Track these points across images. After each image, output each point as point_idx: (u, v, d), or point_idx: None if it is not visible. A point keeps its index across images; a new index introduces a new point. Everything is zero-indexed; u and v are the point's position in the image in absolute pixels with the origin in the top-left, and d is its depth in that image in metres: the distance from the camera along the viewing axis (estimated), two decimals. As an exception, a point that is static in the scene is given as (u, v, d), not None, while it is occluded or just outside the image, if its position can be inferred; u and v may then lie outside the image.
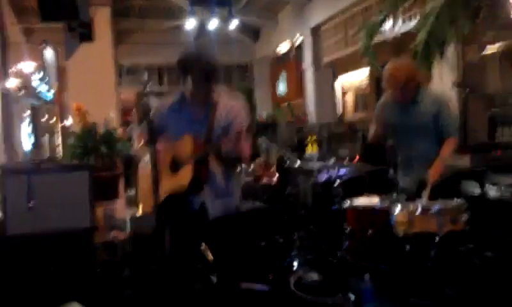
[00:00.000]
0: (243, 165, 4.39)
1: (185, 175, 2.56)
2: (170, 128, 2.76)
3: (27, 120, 14.48)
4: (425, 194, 3.04)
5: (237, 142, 2.58)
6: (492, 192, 3.56)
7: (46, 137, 15.37)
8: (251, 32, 15.10)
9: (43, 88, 13.61)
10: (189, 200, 2.67)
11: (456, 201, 2.92)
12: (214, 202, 2.68)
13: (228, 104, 2.79)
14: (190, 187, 2.56)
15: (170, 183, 2.60)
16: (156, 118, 2.76)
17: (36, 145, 14.20)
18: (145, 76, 2.55)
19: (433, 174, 3.14)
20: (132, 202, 5.17)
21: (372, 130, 3.56)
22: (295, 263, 3.74)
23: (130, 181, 6.22)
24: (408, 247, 2.95)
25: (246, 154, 2.72)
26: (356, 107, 13.82)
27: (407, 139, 3.38)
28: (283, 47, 14.18)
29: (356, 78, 13.70)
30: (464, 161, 2.89)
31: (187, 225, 2.71)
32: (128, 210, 5.24)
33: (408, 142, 3.38)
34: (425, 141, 3.33)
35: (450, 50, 5.56)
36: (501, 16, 5.44)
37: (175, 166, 2.63)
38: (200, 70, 2.65)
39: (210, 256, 3.86)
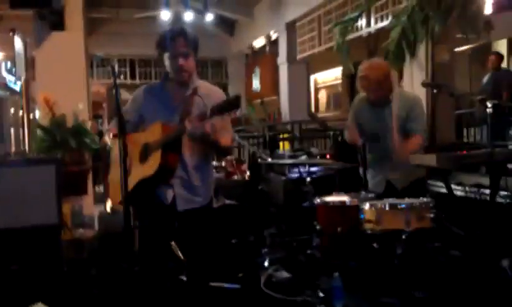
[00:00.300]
0: (215, 162, 4.36)
1: (153, 163, 2.43)
2: (147, 115, 2.64)
3: (-7, 112, 14.07)
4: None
5: (210, 124, 2.40)
6: (457, 191, 3.64)
7: (12, 130, 14.95)
8: (227, 27, 15.01)
9: (11, 79, 13.22)
10: (159, 193, 2.55)
11: (423, 199, 2.98)
12: (184, 194, 2.55)
13: (210, 89, 2.69)
14: (156, 175, 2.41)
15: (138, 174, 2.49)
16: (133, 107, 2.68)
17: (2, 138, 13.79)
18: (115, 67, 2.41)
19: (400, 150, 3.15)
20: (101, 198, 5.09)
21: (347, 130, 3.57)
22: (265, 261, 3.75)
23: (99, 177, 6.11)
24: (375, 244, 3.00)
25: (225, 142, 2.56)
26: (329, 105, 13.96)
27: (378, 139, 3.39)
28: (258, 42, 14.17)
29: (330, 76, 13.83)
30: (431, 160, 2.93)
31: (156, 219, 2.60)
32: (96, 206, 5.15)
33: (379, 142, 3.38)
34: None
35: (421, 50, 5.64)
36: (472, 17, 5.54)
37: (144, 155, 2.51)
38: (182, 43, 2.55)
39: (180, 255, 3.84)
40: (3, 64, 13.13)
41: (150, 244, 2.65)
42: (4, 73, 13.01)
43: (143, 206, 2.61)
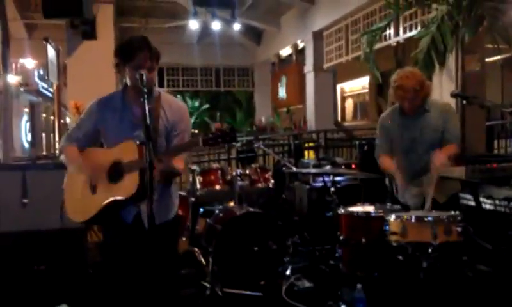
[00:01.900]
0: (239, 170, 4.36)
1: (129, 185, 2.24)
2: (106, 129, 2.46)
3: (26, 117, 14.50)
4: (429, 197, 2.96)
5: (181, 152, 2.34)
6: (486, 204, 3.53)
7: (44, 135, 15.37)
8: (254, 36, 15.13)
9: (43, 85, 13.63)
10: (122, 212, 2.41)
11: (451, 212, 2.90)
12: (154, 210, 2.21)
13: (173, 103, 2.53)
14: (131, 198, 2.26)
15: (107, 193, 2.32)
16: (89, 119, 2.49)
17: (34, 142, 14.21)
18: (143, 75, 2.33)
19: (438, 162, 2.98)
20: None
21: (378, 146, 3.39)
22: (287, 270, 3.72)
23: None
24: (401, 257, 2.94)
25: (182, 170, 2.49)
26: (355, 114, 13.85)
27: (414, 152, 3.22)
28: (284, 51, 14.20)
29: (357, 85, 13.73)
30: (459, 173, 2.86)
31: (121, 238, 2.44)
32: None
33: (415, 155, 3.21)
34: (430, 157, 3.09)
35: (451, 60, 5.54)
36: (504, 26, 5.42)
37: (116, 175, 2.31)
38: (147, 55, 2.35)
39: (202, 260, 3.85)
40: (36, 71, 13.55)
41: (117, 261, 2.49)
42: (37, 80, 13.42)
43: (108, 225, 2.51)
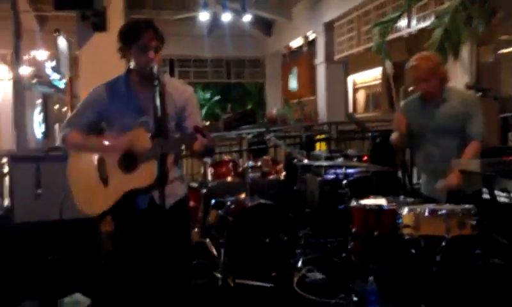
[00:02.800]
0: (250, 162, 4.36)
1: (146, 174, 2.21)
2: (110, 115, 2.41)
3: (39, 108, 14.62)
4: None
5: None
6: (501, 197, 3.50)
7: (57, 126, 15.47)
8: (265, 27, 15.05)
9: (55, 77, 13.70)
10: (135, 202, 2.37)
11: (465, 205, 2.87)
12: (169, 190, 2.28)
13: (179, 86, 2.48)
14: (154, 185, 2.21)
15: (123, 183, 2.29)
16: (93, 106, 2.43)
17: (47, 134, 14.32)
18: (154, 68, 2.31)
19: (451, 179, 2.97)
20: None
21: (395, 132, 3.33)
22: (299, 262, 3.73)
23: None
24: (413, 250, 2.92)
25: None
26: (368, 106, 13.74)
27: (434, 141, 3.17)
28: (295, 43, 14.12)
29: (369, 76, 13.61)
30: (474, 165, 2.83)
31: (139, 225, 2.39)
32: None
33: (435, 145, 3.16)
34: (453, 143, 3.11)
35: (465, 51, 5.47)
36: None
37: (131, 163, 2.26)
38: (152, 35, 2.30)
39: (214, 251, 3.87)
40: (48, 62, 13.62)
41: (132, 248, 2.44)
42: (49, 71, 13.49)
43: (121, 214, 2.43)
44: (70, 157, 2.49)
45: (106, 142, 2.38)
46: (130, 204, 2.36)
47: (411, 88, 3.27)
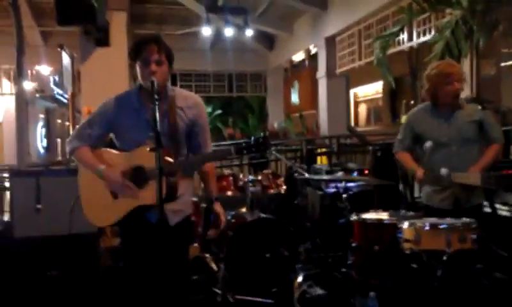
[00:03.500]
0: (251, 176, 4.36)
1: (153, 189, 2.18)
2: (119, 129, 2.42)
3: (41, 123, 14.69)
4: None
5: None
6: (503, 211, 3.47)
7: (59, 141, 15.53)
8: (266, 41, 15.16)
9: (59, 91, 13.81)
10: (146, 213, 2.37)
11: (465, 219, 2.85)
12: (174, 209, 2.38)
13: (189, 98, 2.49)
14: (165, 200, 2.20)
15: (132, 199, 2.33)
16: (103, 118, 2.43)
17: (49, 148, 14.38)
18: (155, 82, 2.32)
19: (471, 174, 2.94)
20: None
21: (399, 141, 3.29)
22: (299, 277, 3.69)
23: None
24: (414, 265, 2.89)
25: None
26: (369, 119, 13.76)
27: (452, 149, 3.11)
28: (297, 57, 14.19)
29: (370, 90, 13.65)
30: (475, 179, 2.81)
31: (149, 240, 2.34)
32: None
33: (448, 155, 3.10)
34: (472, 151, 3.10)
35: (466, 64, 5.48)
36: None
37: (141, 180, 2.30)
38: (154, 49, 2.33)
39: (214, 266, 3.84)
40: (52, 77, 13.74)
41: (139, 264, 2.43)
42: (53, 86, 13.59)
43: (130, 227, 2.43)
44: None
45: (106, 172, 2.36)
46: (139, 218, 2.38)
47: (426, 89, 3.18)
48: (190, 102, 2.48)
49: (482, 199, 3.22)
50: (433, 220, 2.92)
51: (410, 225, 2.87)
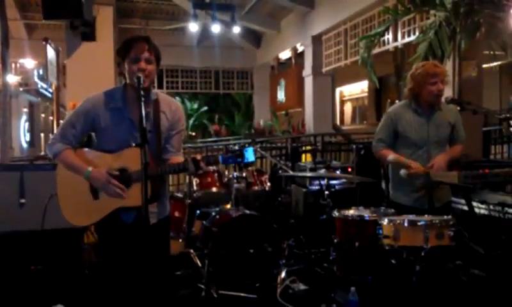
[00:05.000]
0: (236, 172, 4.39)
1: (139, 193, 2.14)
2: (105, 127, 2.39)
3: (25, 117, 14.50)
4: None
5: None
6: (481, 209, 3.56)
7: (42, 135, 15.33)
8: (254, 39, 15.18)
9: (43, 85, 13.66)
10: (122, 215, 2.39)
11: (443, 217, 2.93)
12: (156, 209, 2.45)
13: (172, 104, 2.52)
14: (148, 202, 2.19)
15: (113, 200, 2.34)
16: (87, 116, 2.39)
17: (33, 142, 14.21)
18: (141, 78, 2.32)
19: (438, 163, 3.09)
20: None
21: (380, 140, 3.33)
22: (282, 273, 3.74)
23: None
24: (394, 260, 2.96)
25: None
26: (354, 118, 13.89)
27: (427, 150, 3.21)
28: (284, 55, 14.24)
29: (356, 89, 13.78)
30: (453, 178, 2.89)
31: (123, 238, 2.40)
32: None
33: (428, 153, 3.20)
34: (440, 153, 3.19)
35: (448, 65, 5.57)
36: (500, 33, 5.47)
37: (125, 183, 2.32)
38: (144, 47, 2.34)
39: (198, 262, 3.88)
40: (36, 71, 13.57)
41: (116, 261, 2.45)
42: (37, 80, 13.43)
43: (106, 227, 2.43)
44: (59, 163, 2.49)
45: (94, 174, 2.35)
46: (113, 219, 2.39)
47: (409, 87, 3.25)
48: (173, 107, 2.52)
49: (450, 197, 3.35)
50: (412, 217, 2.99)
51: (389, 222, 2.94)
